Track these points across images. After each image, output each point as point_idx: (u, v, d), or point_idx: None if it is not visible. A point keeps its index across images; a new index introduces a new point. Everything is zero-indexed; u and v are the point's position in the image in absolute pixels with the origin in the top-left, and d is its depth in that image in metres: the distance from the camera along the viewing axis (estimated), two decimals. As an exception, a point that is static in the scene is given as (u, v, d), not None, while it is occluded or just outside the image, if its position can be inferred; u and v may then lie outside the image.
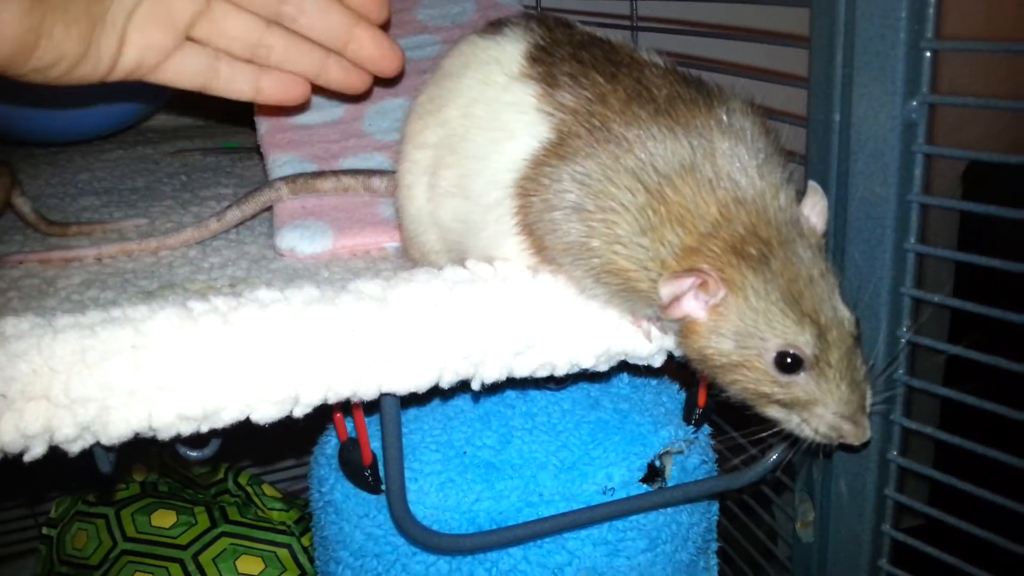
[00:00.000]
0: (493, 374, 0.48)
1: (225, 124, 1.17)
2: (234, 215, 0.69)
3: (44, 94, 0.97)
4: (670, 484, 0.60)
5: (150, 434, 0.44)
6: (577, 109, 0.46)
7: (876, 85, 0.48)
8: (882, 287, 0.49)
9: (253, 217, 0.71)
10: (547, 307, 0.48)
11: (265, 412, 0.45)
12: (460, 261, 0.51)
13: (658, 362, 0.51)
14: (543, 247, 0.48)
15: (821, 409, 0.44)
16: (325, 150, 0.74)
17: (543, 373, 0.49)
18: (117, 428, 0.43)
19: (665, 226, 0.44)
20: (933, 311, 0.51)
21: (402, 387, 0.47)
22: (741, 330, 0.43)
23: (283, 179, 0.69)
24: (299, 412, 0.46)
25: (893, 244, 0.48)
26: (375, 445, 0.57)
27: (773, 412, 0.46)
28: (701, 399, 0.61)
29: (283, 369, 0.44)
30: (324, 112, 0.78)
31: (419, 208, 0.54)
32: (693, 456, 0.62)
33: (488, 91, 0.49)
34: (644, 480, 0.58)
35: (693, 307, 0.44)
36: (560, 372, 0.49)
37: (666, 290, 0.43)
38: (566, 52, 0.48)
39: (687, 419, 0.62)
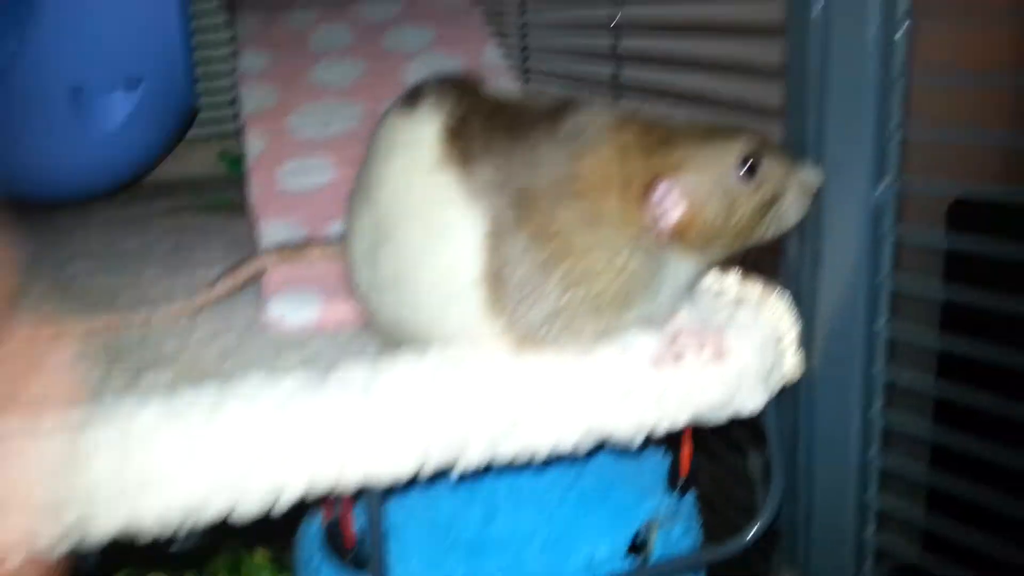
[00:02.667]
0: (475, 460, 0.49)
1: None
2: (224, 286, 0.70)
3: (43, 150, 0.99)
4: (655, 556, 0.60)
5: (134, 532, 0.44)
6: (495, 184, 0.48)
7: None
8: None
9: (242, 288, 0.72)
10: (527, 390, 0.49)
11: (249, 506, 0.45)
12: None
13: (638, 441, 0.52)
14: (526, 325, 0.49)
15: (790, 182, 0.49)
16: (315, 215, 0.75)
17: (525, 457, 0.50)
18: (100, 529, 0.43)
19: (602, 203, 0.47)
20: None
21: (385, 476, 0.47)
22: (708, 186, 0.47)
23: (271, 249, 0.70)
24: (281, 505, 0.46)
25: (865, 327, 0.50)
26: (361, 523, 0.57)
27: (769, 226, 0.49)
28: (684, 467, 0.62)
29: (266, 464, 0.45)
30: (315, 176, 0.79)
31: (365, 294, 0.56)
32: (677, 526, 0.62)
33: (413, 178, 0.51)
34: (629, 552, 0.59)
35: (671, 212, 0.47)
36: (542, 455, 0.50)
37: (648, 213, 0.47)
38: (477, 123, 0.50)
39: (671, 487, 0.62)
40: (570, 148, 0.48)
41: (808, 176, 0.50)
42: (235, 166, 1.21)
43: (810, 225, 0.52)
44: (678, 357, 0.50)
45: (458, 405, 0.48)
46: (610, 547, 0.58)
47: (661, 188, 0.47)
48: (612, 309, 0.48)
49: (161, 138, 1.08)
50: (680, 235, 0.48)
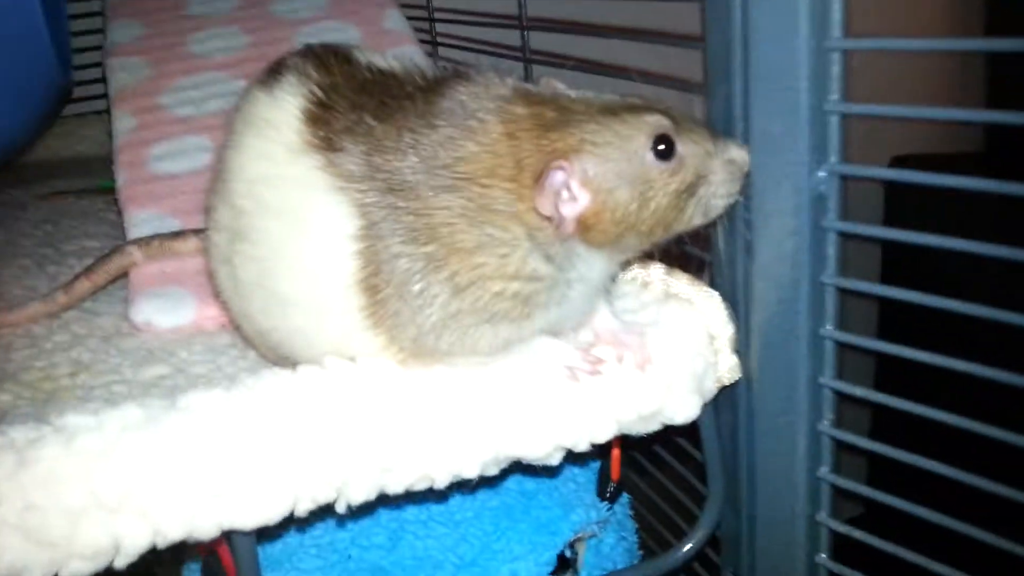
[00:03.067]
0: (360, 495, 0.41)
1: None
2: (83, 287, 0.61)
3: None
4: (585, 571, 0.54)
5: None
6: (363, 173, 0.40)
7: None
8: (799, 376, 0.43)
9: (106, 286, 0.63)
10: (419, 411, 0.41)
11: (77, 568, 0.37)
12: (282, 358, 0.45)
13: (555, 461, 0.44)
14: (411, 336, 0.41)
15: (714, 162, 0.42)
16: (191, 203, 0.66)
17: (421, 487, 0.42)
18: None
19: (488, 192, 0.40)
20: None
21: (247, 522, 0.39)
22: (616, 170, 0.40)
23: (136, 242, 0.61)
24: (121, 563, 0.38)
25: (809, 330, 0.42)
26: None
27: (693, 214, 0.42)
28: (615, 471, 0.55)
29: (95, 515, 0.37)
30: (191, 158, 0.69)
31: (228, 299, 0.48)
32: (608, 535, 0.56)
33: (270, 167, 0.42)
34: (554, 574, 0.52)
35: (574, 202, 0.40)
36: (440, 485, 0.42)
37: (544, 202, 0.39)
38: (344, 101, 0.42)
39: (600, 494, 0.56)
40: (450, 127, 0.40)
41: (736, 155, 0.42)
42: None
43: (740, 213, 0.44)
44: (595, 368, 0.43)
45: (336, 433, 0.40)
46: (534, 566, 0.52)
47: (558, 173, 0.39)
48: (511, 318, 0.40)
49: (24, 117, 0.97)
50: (586, 229, 0.40)
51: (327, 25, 0.87)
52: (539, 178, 0.39)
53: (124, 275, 0.63)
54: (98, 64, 1.15)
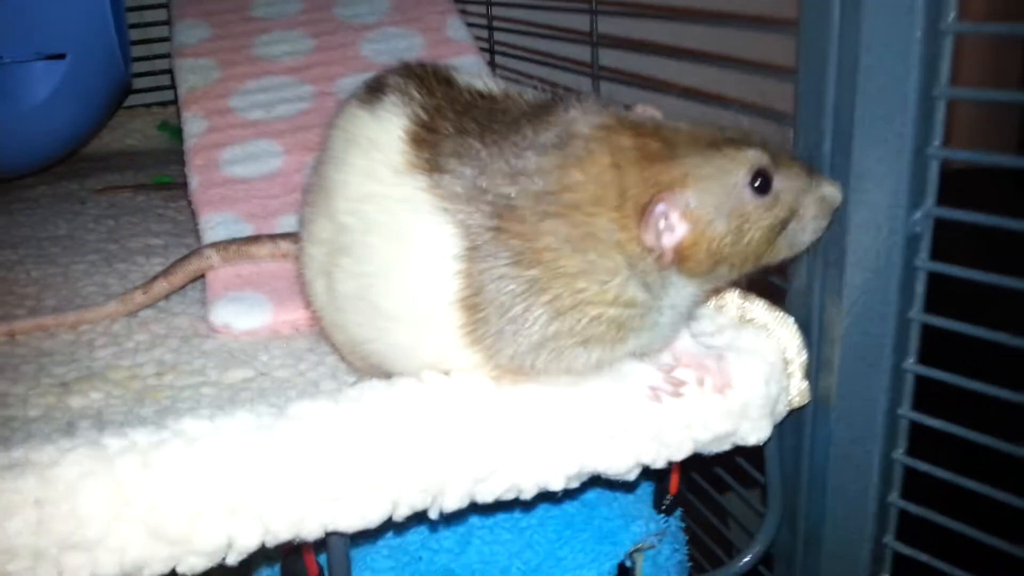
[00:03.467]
0: (453, 503, 0.43)
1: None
2: (161, 287, 0.63)
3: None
4: (642, 581, 0.56)
5: (60, 595, 0.38)
6: (469, 195, 0.42)
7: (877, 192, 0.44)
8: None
9: (183, 287, 0.65)
10: (512, 425, 0.43)
11: (193, 564, 0.39)
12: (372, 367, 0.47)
13: (633, 476, 0.47)
14: (509, 355, 0.43)
15: (808, 198, 0.44)
16: (263, 207, 0.68)
17: (508, 497, 0.45)
18: (21, 594, 0.37)
19: (592, 220, 0.41)
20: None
21: (350, 525, 0.42)
22: (716, 203, 0.42)
23: (214, 245, 0.63)
24: (232, 559, 0.40)
25: (892, 363, 0.45)
26: (321, 556, 0.52)
27: (781, 247, 0.44)
28: (673, 485, 0.57)
29: (213, 514, 0.39)
30: (261, 163, 0.72)
31: (321, 308, 0.50)
32: (664, 548, 0.58)
33: (375, 186, 0.44)
34: (615, 581, 0.54)
35: (673, 232, 0.42)
36: (527, 496, 0.45)
37: (648, 233, 0.41)
38: (448, 123, 0.44)
39: (657, 507, 0.58)
40: (557, 155, 0.41)
41: (829, 192, 0.44)
42: (176, 136, 1.12)
43: (829, 247, 0.46)
44: (676, 390, 0.45)
45: (432, 445, 0.42)
46: (595, 574, 0.54)
47: (662, 206, 0.41)
48: (605, 341, 0.42)
49: (90, 113, 1.00)
50: (683, 259, 0.42)
51: (391, 31, 0.89)
52: (644, 210, 0.41)
53: (200, 277, 0.65)
54: (147, 58, 1.17)
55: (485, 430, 0.43)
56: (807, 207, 0.44)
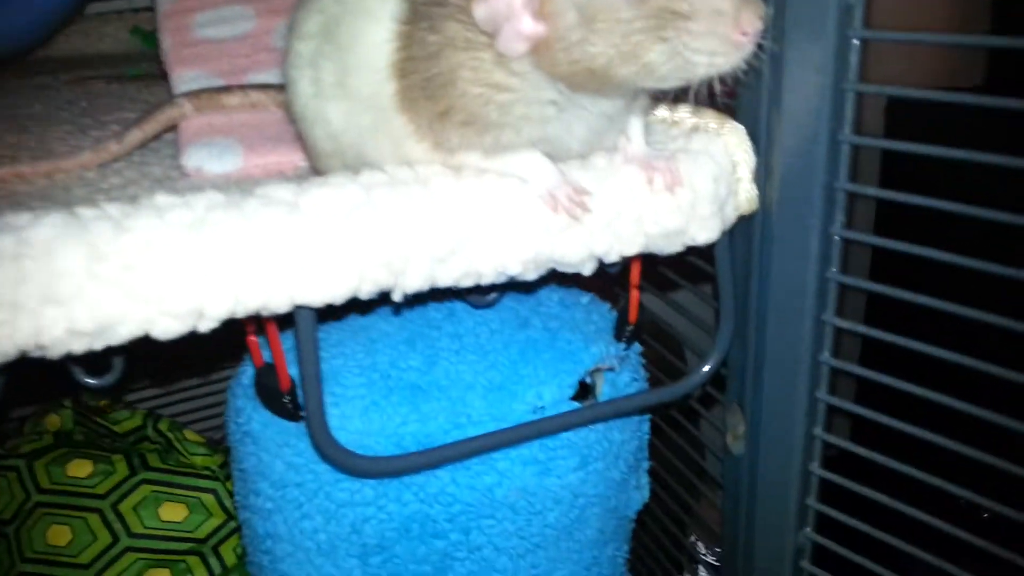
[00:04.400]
0: (415, 283, 0.45)
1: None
2: (135, 136, 0.64)
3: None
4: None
5: (38, 353, 0.40)
6: None
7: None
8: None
9: (156, 137, 0.67)
10: (471, 210, 0.45)
11: (166, 327, 0.41)
12: (356, 162, 0.49)
13: (588, 270, 0.49)
14: (433, 123, 0.46)
15: (696, 6, 0.39)
16: (233, 65, 0.70)
17: (468, 282, 0.47)
18: (1, 347, 0.39)
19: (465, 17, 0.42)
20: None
21: (317, 298, 0.44)
22: None
23: (186, 95, 0.65)
24: (204, 327, 0.42)
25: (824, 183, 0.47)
26: (293, 371, 0.54)
27: (663, 64, 0.40)
28: (632, 315, 0.60)
29: (184, 279, 0.41)
30: (233, 25, 0.73)
31: (304, 105, 0.52)
32: (624, 373, 0.60)
33: None
34: (575, 398, 0.57)
35: (517, 21, 0.40)
36: (486, 280, 0.47)
37: (479, 15, 0.41)
38: None
39: (618, 336, 0.60)
40: None
41: (726, 6, 0.39)
42: (148, 41, 1.13)
43: (770, 63, 0.48)
44: (572, 207, 0.46)
45: (395, 225, 0.44)
46: (556, 392, 0.56)
47: None
48: (493, 123, 0.44)
49: (54, 6, 0.99)
50: (537, 51, 0.41)
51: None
52: None
53: (172, 129, 0.67)
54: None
55: (444, 213, 0.45)
56: (696, 17, 0.39)
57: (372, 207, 0.44)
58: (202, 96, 0.65)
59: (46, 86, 0.94)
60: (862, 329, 0.50)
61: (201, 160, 0.62)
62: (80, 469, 0.89)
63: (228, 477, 0.92)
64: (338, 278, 0.44)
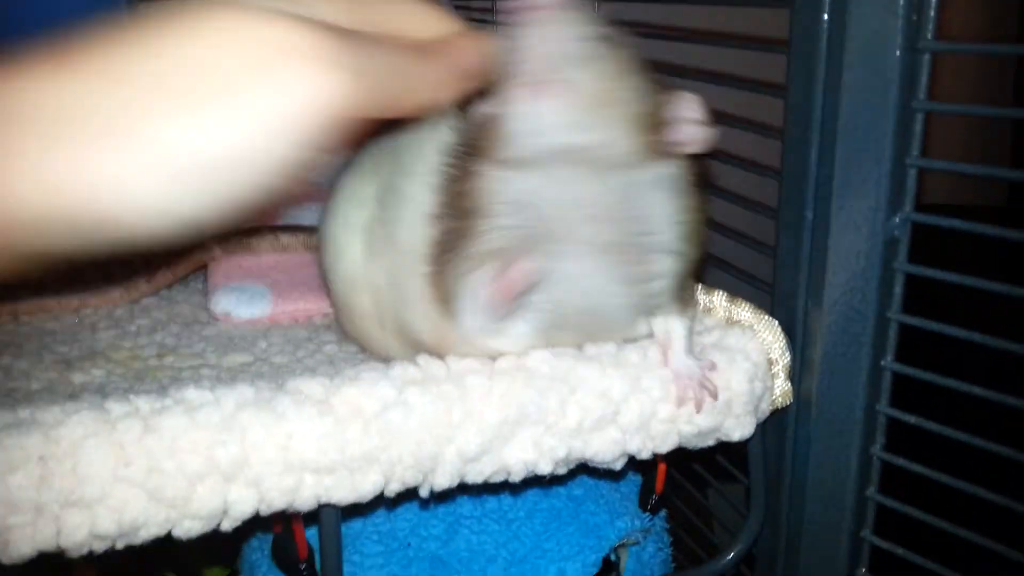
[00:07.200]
0: (443, 482, 0.44)
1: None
2: (165, 277, 0.65)
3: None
4: (625, 577, 0.57)
5: (57, 551, 0.39)
6: None
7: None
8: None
9: (185, 277, 0.67)
10: (502, 408, 0.45)
11: (189, 528, 0.40)
12: (395, 330, 0.49)
13: (619, 466, 0.48)
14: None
15: None
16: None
17: (497, 479, 0.46)
18: (19, 548, 0.38)
19: None
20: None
21: (343, 499, 0.43)
22: None
23: (215, 238, 0.65)
24: (227, 526, 0.41)
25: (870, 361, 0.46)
26: (311, 534, 0.53)
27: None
28: (659, 484, 0.59)
29: (211, 481, 0.40)
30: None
31: (352, 271, 0.51)
32: (649, 545, 0.59)
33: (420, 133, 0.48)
34: (600, 575, 0.55)
35: None
36: (515, 478, 0.46)
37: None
38: None
39: (643, 505, 0.59)
40: None
41: None
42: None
43: (812, 253, 0.48)
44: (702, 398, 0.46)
45: (426, 426, 0.43)
46: (580, 567, 0.55)
47: None
48: None
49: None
50: None
51: None
52: None
53: (202, 267, 0.67)
54: None
55: (478, 413, 0.44)
56: None
57: (404, 407, 0.43)
58: (231, 240, 0.65)
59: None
60: (912, 511, 0.49)
61: (230, 305, 0.62)
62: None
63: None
64: (366, 479, 0.43)
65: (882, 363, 0.47)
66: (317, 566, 0.52)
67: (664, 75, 0.67)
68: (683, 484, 0.71)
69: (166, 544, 0.41)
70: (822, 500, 0.50)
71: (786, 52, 0.50)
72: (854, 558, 0.51)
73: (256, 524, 0.44)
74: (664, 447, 0.47)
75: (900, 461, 0.48)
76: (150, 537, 0.40)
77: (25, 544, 0.38)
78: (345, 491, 0.43)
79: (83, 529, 0.39)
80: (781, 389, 0.51)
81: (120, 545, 0.40)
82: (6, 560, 0.38)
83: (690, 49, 0.62)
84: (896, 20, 0.45)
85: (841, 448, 0.49)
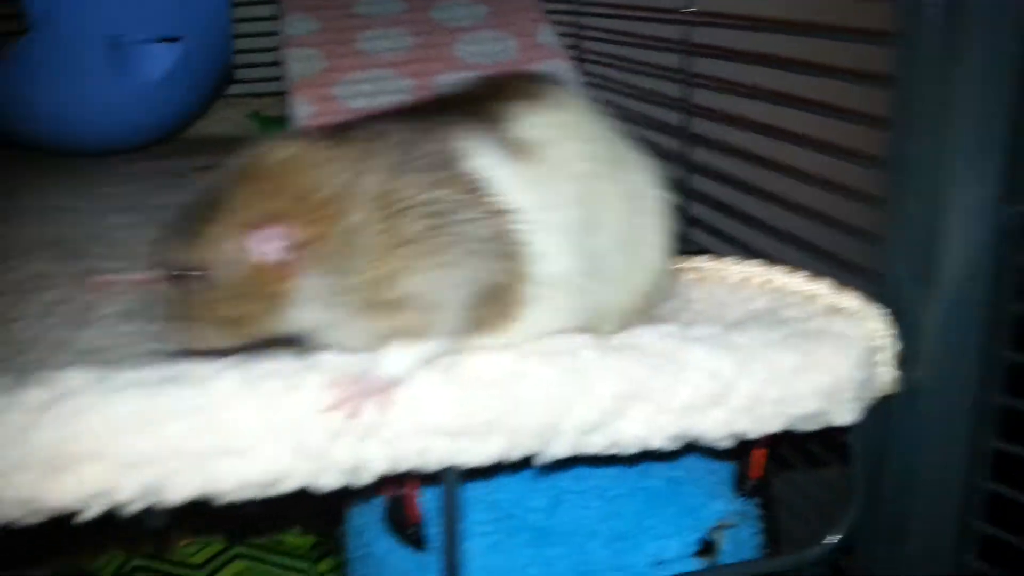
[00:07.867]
0: (560, 452, 0.46)
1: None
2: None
3: (80, 101, 0.96)
4: (722, 559, 0.58)
5: (207, 498, 0.42)
6: None
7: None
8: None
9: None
10: (619, 385, 0.46)
11: (328, 480, 0.43)
12: None
13: (727, 444, 0.49)
14: None
15: None
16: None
17: (611, 452, 0.47)
18: (177, 492, 0.41)
19: None
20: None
21: (468, 461, 0.45)
22: None
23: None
24: (362, 481, 0.44)
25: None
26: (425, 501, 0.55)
27: None
28: (757, 469, 0.60)
29: (350, 439, 0.43)
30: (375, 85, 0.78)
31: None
32: (745, 529, 0.60)
33: None
34: (698, 555, 0.57)
35: None
36: (628, 452, 0.47)
37: None
38: None
39: (739, 489, 0.60)
40: None
41: None
42: (266, 126, 1.18)
43: (922, 239, 0.49)
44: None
45: (550, 393, 0.45)
46: (678, 547, 0.56)
47: None
48: None
49: (199, 94, 1.06)
50: None
51: (484, 35, 0.94)
52: None
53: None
54: (240, 51, 1.23)
55: (598, 387, 0.46)
56: None
57: (527, 376, 0.45)
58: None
59: (174, 172, 0.99)
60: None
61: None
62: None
63: (320, 558, 0.93)
64: (491, 444, 0.45)
65: (996, 352, 0.47)
66: (424, 532, 0.54)
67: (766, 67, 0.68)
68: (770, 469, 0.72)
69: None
70: (930, 488, 0.51)
71: (889, 42, 0.51)
72: (962, 546, 0.51)
73: (363, 490, 0.46)
74: (771, 427, 0.49)
75: (1013, 449, 0.48)
76: (292, 488, 0.43)
77: (180, 489, 0.41)
78: (470, 454, 0.45)
79: (231, 478, 0.41)
80: (888, 376, 0.51)
81: (265, 494, 0.43)
82: (163, 504, 0.41)
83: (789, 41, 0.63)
84: (1016, 3, 0.45)
85: (951, 437, 0.49)
